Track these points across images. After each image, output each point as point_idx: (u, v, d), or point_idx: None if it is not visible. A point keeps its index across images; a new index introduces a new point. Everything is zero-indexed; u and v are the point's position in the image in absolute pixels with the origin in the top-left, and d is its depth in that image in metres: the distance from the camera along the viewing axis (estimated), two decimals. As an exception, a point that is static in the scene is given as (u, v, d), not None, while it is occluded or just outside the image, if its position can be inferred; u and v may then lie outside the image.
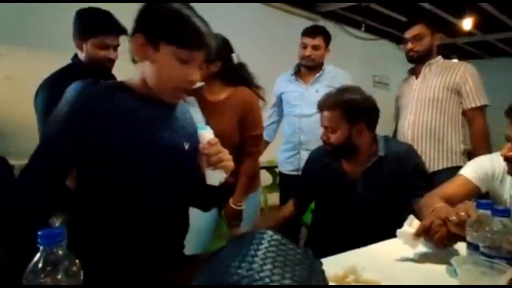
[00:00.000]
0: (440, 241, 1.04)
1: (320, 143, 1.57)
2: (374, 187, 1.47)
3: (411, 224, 1.11)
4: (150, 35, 0.92)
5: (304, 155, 2.16)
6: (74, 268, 0.60)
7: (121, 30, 1.63)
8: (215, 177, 0.94)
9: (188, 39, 0.92)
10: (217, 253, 0.63)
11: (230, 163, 0.96)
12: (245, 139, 1.69)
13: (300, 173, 1.98)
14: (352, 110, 1.43)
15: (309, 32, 2.32)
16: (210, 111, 1.65)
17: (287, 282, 0.52)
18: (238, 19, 4.02)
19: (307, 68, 2.35)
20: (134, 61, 0.99)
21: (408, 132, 2.17)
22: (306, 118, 2.26)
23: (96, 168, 0.91)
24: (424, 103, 2.14)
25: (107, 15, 1.65)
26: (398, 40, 5.85)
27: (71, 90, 0.91)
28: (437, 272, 0.99)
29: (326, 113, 1.46)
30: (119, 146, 0.91)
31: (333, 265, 0.86)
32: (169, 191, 0.99)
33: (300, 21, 4.55)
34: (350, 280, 0.90)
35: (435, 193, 1.31)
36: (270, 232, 0.63)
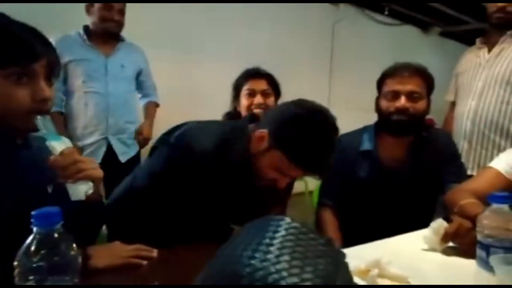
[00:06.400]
0: (469, 246, 0.93)
1: None
2: (413, 174, 1.38)
3: (438, 228, 1.03)
4: None
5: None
6: (72, 252, 0.56)
7: None
8: (78, 190, 0.76)
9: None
10: (229, 241, 0.56)
11: (94, 171, 0.78)
12: None
13: None
14: (432, 81, 1.37)
15: None
16: None
17: (308, 276, 0.45)
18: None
19: None
20: None
21: (467, 123, 1.69)
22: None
23: None
24: (495, 85, 1.65)
25: None
26: (424, 26, 5.58)
27: None
28: (468, 268, 0.90)
29: (416, 79, 1.34)
30: None
31: (354, 258, 0.78)
32: None
33: (319, 5, 4.38)
34: (374, 274, 0.82)
35: (463, 188, 1.22)
36: (287, 219, 0.56)
